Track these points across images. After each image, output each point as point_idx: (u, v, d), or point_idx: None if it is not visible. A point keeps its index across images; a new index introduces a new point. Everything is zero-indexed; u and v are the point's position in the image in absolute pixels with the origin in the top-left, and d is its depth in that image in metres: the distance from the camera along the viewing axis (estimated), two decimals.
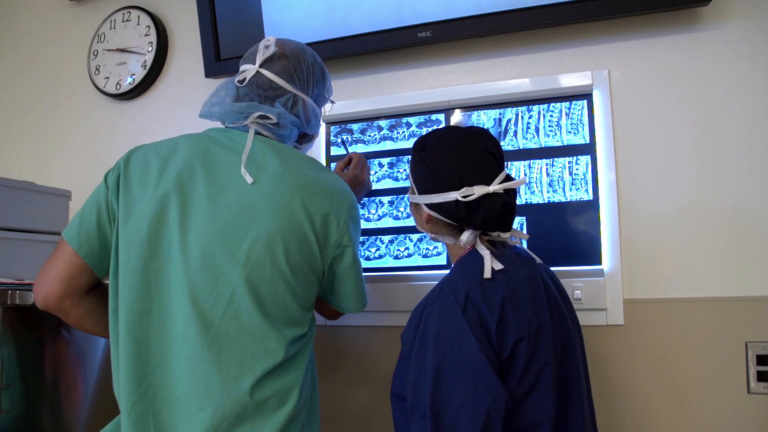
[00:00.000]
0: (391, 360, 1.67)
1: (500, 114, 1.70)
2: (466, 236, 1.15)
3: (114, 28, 2.18)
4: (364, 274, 1.71)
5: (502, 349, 1.05)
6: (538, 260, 1.22)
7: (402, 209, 1.76)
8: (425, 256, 1.72)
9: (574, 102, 1.65)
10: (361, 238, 1.78)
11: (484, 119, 1.71)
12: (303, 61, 1.30)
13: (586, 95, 1.64)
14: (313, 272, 1.18)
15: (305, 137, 1.38)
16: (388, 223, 1.77)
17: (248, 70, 1.27)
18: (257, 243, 1.11)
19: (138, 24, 2.13)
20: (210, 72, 1.93)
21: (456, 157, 1.15)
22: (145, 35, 2.11)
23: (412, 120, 1.79)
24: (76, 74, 2.27)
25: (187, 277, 1.10)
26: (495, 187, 1.11)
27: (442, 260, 1.70)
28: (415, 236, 1.74)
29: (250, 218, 1.12)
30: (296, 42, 1.34)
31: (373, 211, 1.78)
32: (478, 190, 1.10)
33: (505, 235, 1.15)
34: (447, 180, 1.13)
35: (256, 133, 1.24)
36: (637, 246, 1.56)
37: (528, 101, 1.68)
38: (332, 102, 1.40)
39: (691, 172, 1.55)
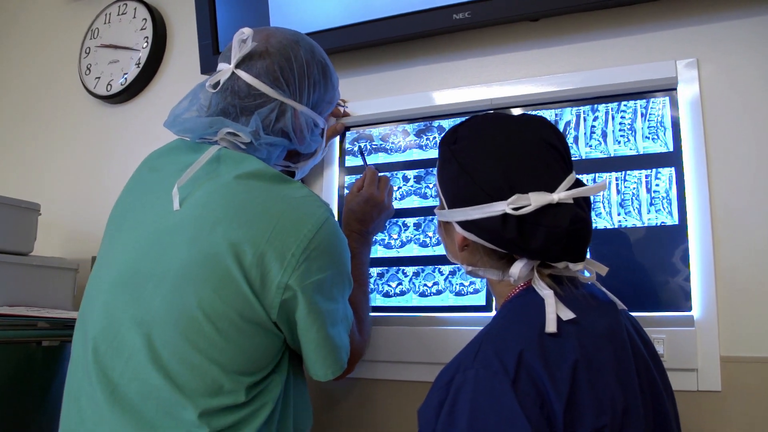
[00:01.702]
0: (409, 426, 1.32)
1: (557, 115, 1.35)
2: (517, 269, 0.80)
3: (108, 22, 1.91)
4: (379, 314, 1.40)
5: None
6: (621, 305, 0.86)
7: (431, 234, 1.41)
8: (459, 293, 1.37)
9: (652, 99, 1.29)
10: (379, 269, 1.44)
11: None
12: (294, 59, 1.02)
13: (668, 90, 1.28)
14: (252, 322, 0.89)
15: (299, 156, 1.12)
16: (413, 251, 1.42)
17: (223, 71, 1.02)
18: (164, 281, 0.89)
19: (134, 17, 1.86)
20: (207, 68, 1.63)
21: (503, 151, 0.81)
22: (141, 29, 1.83)
23: (445, 123, 1.45)
24: (66, 75, 2.02)
25: (92, 325, 0.94)
26: (562, 194, 0.76)
27: (480, 299, 1.35)
28: (446, 268, 1.39)
29: (164, 248, 0.92)
30: (287, 32, 1.06)
31: (395, 236, 1.44)
32: (536, 199, 0.75)
33: (575, 267, 0.79)
34: (489, 184, 0.78)
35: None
36: (739, 286, 1.19)
37: (593, 99, 1.33)
38: (343, 106, 1.18)
39: None
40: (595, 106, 1.32)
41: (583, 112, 1.33)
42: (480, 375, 0.71)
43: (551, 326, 0.74)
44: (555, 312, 0.75)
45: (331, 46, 1.49)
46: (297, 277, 0.90)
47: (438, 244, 1.40)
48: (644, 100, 1.29)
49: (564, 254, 0.77)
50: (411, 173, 1.45)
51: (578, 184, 0.80)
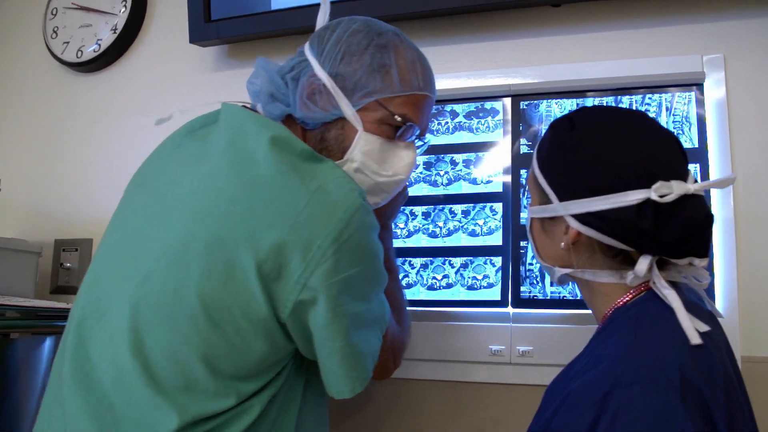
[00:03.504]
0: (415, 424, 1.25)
1: (578, 105, 1.30)
2: (644, 265, 0.72)
3: None
4: None
5: None
6: (720, 314, 0.81)
7: (441, 224, 1.34)
8: (471, 287, 1.30)
9: (677, 94, 1.25)
10: None
11: (557, 110, 1.31)
12: (341, 25, 0.91)
13: (694, 85, 1.25)
14: (252, 321, 0.76)
15: (314, 128, 0.92)
16: (420, 241, 1.35)
17: None
18: (164, 257, 0.78)
19: None
20: (196, 36, 1.50)
21: (637, 139, 0.74)
22: None
23: (458, 108, 1.38)
24: (28, 37, 1.82)
25: (85, 293, 0.84)
26: (697, 185, 0.70)
27: (494, 294, 1.28)
28: (457, 260, 1.32)
29: (170, 218, 0.80)
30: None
31: (402, 226, 1.36)
32: (678, 188, 0.69)
33: (701, 263, 0.73)
34: (627, 172, 0.71)
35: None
36: (762, 285, 1.17)
37: (617, 90, 1.29)
38: (397, 117, 0.89)
39: None
40: (619, 97, 1.28)
41: (607, 103, 1.29)
42: (648, 391, 0.63)
43: (695, 338, 0.68)
44: (689, 319, 0.69)
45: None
46: (321, 275, 0.75)
47: (449, 234, 1.33)
48: (669, 94, 1.26)
49: (695, 249, 0.71)
50: (420, 159, 1.37)
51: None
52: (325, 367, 0.82)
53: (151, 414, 0.74)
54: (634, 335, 0.70)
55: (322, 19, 0.96)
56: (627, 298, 0.76)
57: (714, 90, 1.23)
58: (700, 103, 1.24)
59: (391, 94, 0.88)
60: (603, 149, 0.74)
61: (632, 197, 0.70)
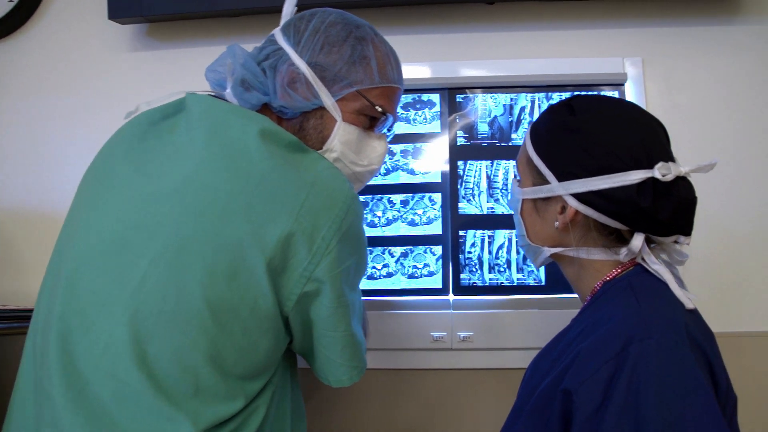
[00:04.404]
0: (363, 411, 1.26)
1: (512, 100, 1.36)
2: (639, 241, 0.77)
3: None
4: None
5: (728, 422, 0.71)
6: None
7: (380, 213, 1.34)
8: (412, 276, 1.32)
9: (603, 92, 1.34)
10: None
11: (492, 104, 1.36)
12: (316, 16, 0.89)
13: (617, 85, 1.34)
14: (260, 318, 0.75)
15: (294, 118, 0.88)
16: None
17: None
18: (161, 259, 0.72)
19: None
20: (116, 12, 1.39)
21: (635, 123, 0.79)
22: None
23: None
24: None
25: (61, 303, 0.74)
26: (687, 168, 0.75)
27: (436, 282, 1.31)
28: (397, 250, 1.33)
29: (163, 217, 0.74)
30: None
31: None
32: (675, 169, 0.74)
33: (686, 240, 0.78)
34: (628, 153, 0.75)
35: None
36: (691, 270, 1.26)
37: (547, 87, 1.35)
38: (378, 108, 0.88)
39: (743, 181, 1.30)
40: (550, 93, 1.35)
41: (538, 98, 1.35)
42: (662, 345, 0.67)
43: (689, 302, 0.74)
44: (680, 288, 0.75)
45: (271, 4, 1.36)
46: (327, 265, 0.75)
47: (388, 224, 1.34)
48: (596, 92, 1.34)
49: (682, 227, 0.77)
50: None
51: None
52: (323, 356, 0.82)
53: (164, 426, 0.69)
54: (636, 299, 0.74)
55: (290, 8, 0.93)
56: (616, 272, 0.81)
57: (634, 90, 1.33)
58: None
59: (371, 86, 0.87)
60: (604, 132, 0.78)
61: (634, 176, 0.74)
